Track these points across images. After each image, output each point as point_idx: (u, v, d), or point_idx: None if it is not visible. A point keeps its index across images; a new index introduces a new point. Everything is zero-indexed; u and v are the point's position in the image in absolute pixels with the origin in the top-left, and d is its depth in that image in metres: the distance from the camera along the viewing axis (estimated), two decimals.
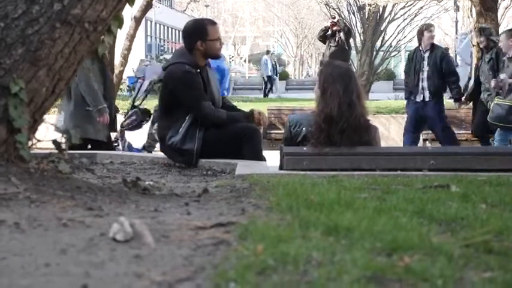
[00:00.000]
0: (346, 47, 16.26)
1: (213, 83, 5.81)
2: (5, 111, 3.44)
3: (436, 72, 10.30)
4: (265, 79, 30.95)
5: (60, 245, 2.33)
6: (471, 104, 11.14)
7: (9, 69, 3.45)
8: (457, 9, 34.25)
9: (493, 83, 9.63)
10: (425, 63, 10.32)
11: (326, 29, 16.15)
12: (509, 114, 9.20)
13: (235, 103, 7.13)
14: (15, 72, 3.46)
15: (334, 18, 17.05)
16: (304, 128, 5.01)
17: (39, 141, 3.74)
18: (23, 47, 3.47)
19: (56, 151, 3.80)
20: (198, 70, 5.62)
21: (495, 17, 17.09)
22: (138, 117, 9.25)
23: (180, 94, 5.54)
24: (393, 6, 27.94)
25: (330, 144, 4.75)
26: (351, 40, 18.98)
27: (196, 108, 5.54)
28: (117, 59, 16.26)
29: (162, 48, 54.42)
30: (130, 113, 9.37)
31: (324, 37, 16.16)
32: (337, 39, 15.94)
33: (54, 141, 3.77)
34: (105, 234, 2.46)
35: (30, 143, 3.66)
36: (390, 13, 29.18)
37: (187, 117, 5.54)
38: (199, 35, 5.69)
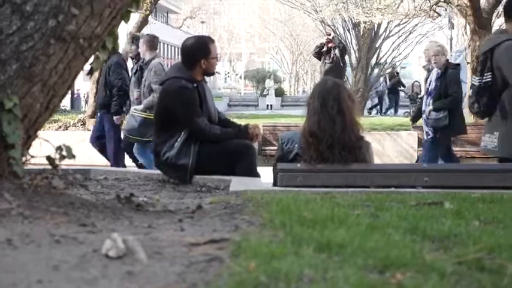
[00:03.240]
0: (341, 64, 16.33)
1: (209, 98, 5.84)
2: None
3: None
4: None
5: (52, 261, 2.33)
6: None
7: (3, 85, 3.45)
8: (452, 26, 34.40)
9: (135, 93, 9.33)
10: None
11: (321, 46, 16.23)
12: (142, 127, 8.81)
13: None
14: (9, 88, 3.46)
15: (330, 35, 17.12)
16: (296, 145, 5.02)
17: (32, 157, 3.74)
18: (17, 63, 3.47)
19: (49, 167, 3.80)
20: (195, 85, 5.65)
21: (489, 35, 17.15)
22: None
23: (175, 109, 5.56)
24: (388, 23, 28.05)
25: (323, 160, 4.76)
26: (346, 57, 19.04)
27: (191, 124, 5.56)
28: None
29: None
30: None
31: (319, 54, 16.24)
32: (332, 55, 16.02)
33: (48, 157, 3.76)
34: (97, 250, 2.46)
35: (23, 158, 3.66)
36: (385, 30, 29.29)
37: (182, 132, 5.56)
38: (203, 53, 5.73)
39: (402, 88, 28.08)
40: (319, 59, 16.49)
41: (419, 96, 25.95)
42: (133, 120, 8.93)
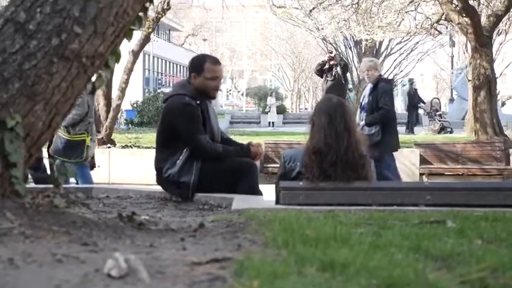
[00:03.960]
0: (343, 81, 16.38)
1: (213, 116, 5.82)
2: (0, 146, 3.44)
3: None
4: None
5: (54, 281, 2.32)
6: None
7: (5, 103, 3.45)
8: (453, 44, 34.52)
9: None
10: None
11: (323, 63, 16.28)
12: (66, 149, 8.51)
13: (231, 136, 7.12)
14: (11, 107, 3.46)
15: (331, 52, 17.17)
16: (298, 163, 5.02)
17: None
18: (20, 82, 3.48)
19: (51, 185, 3.79)
20: (198, 102, 5.63)
21: (490, 53, 17.24)
22: None
23: (178, 126, 5.55)
24: (389, 41, 28.15)
25: (325, 178, 4.76)
26: (348, 74, 19.08)
27: (192, 141, 5.55)
28: (115, 93, 16.31)
29: (159, 81, 54.73)
30: None
31: (321, 71, 16.29)
32: (334, 73, 16.07)
33: (50, 176, 3.76)
34: (99, 270, 2.45)
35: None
36: (386, 48, 29.40)
37: (184, 150, 5.55)
38: (195, 68, 5.73)
39: (421, 105, 27.48)
40: (321, 77, 16.55)
41: (438, 113, 25.82)
42: (59, 141, 8.61)
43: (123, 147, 15.72)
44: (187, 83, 5.78)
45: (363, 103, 9.38)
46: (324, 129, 4.84)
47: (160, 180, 5.74)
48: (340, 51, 27.74)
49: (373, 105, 9.10)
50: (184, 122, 5.55)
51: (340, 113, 4.88)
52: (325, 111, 4.92)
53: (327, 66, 16.14)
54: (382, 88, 9.12)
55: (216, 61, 5.91)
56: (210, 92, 5.78)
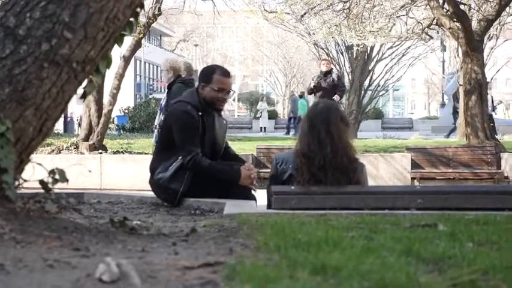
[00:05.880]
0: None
1: (218, 128, 5.74)
2: None
3: None
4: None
5: (45, 286, 2.31)
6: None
7: None
8: (444, 49, 34.65)
9: None
10: None
11: (318, 82, 16.32)
12: None
13: None
14: (2, 112, 3.45)
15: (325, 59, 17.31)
16: (290, 166, 5.02)
17: (25, 181, 3.73)
18: (10, 87, 3.47)
19: (42, 191, 3.78)
20: (200, 113, 5.58)
21: (481, 57, 17.28)
22: None
23: (174, 132, 5.53)
24: (381, 46, 28.21)
25: (316, 182, 4.76)
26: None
27: (182, 150, 5.48)
28: (106, 98, 16.28)
29: (151, 87, 54.69)
30: None
31: (313, 92, 16.39)
32: (330, 79, 16.16)
33: (41, 181, 3.75)
34: (91, 275, 2.44)
35: (16, 183, 3.64)
36: (378, 53, 29.45)
37: (179, 157, 5.50)
38: (204, 77, 5.71)
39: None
40: (314, 95, 16.58)
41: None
42: None
43: (114, 152, 15.67)
44: (196, 91, 5.73)
45: (162, 104, 9.64)
46: (307, 136, 4.86)
47: (151, 181, 5.71)
48: (331, 56, 27.82)
49: (168, 107, 9.25)
50: (178, 129, 5.51)
51: (321, 119, 4.85)
52: (308, 117, 4.96)
53: (324, 69, 16.27)
54: (174, 89, 9.32)
55: (225, 73, 5.82)
56: (216, 104, 5.70)
